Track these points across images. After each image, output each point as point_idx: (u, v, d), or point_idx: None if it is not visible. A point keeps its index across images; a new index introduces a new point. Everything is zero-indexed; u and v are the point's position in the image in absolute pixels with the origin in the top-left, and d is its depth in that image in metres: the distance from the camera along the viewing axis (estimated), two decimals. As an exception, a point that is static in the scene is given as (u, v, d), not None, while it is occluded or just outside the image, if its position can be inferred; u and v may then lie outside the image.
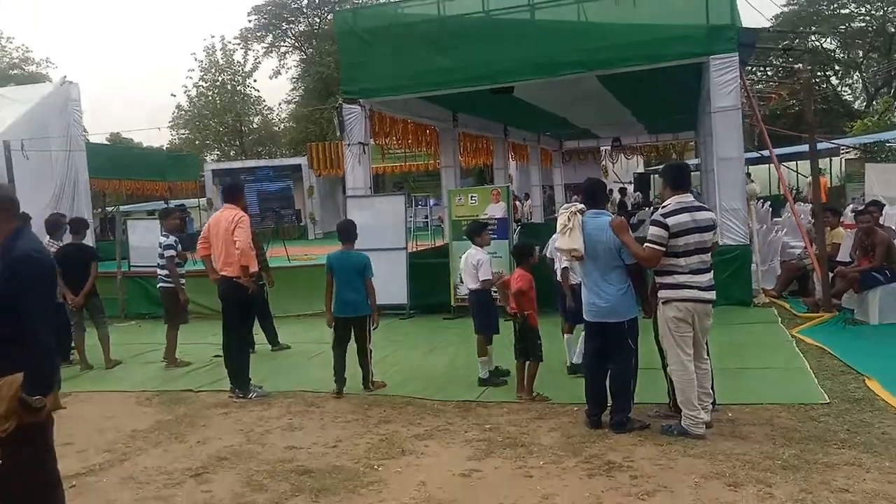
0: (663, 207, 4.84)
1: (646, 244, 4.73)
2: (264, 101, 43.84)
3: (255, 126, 44.25)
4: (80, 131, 14.69)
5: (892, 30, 32.52)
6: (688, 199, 4.81)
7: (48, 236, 8.39)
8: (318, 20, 40.38)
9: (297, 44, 41.83)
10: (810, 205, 14.08)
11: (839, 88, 36.92)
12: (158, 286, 8.27)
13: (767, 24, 20.80)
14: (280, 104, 45.58)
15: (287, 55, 42.21)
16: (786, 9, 33.14)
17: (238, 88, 41.26)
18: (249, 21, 40.35)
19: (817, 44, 33.02)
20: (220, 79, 40.40)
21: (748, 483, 3.92)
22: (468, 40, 10.53)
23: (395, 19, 11.45)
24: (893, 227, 9.24)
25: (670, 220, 4.67)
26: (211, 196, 27.18)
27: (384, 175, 27.66)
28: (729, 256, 8.95)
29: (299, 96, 41.74)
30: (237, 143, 42.91)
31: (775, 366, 6.45)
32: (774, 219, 13.60)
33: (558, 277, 6.38)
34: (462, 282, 8.03)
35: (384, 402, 6.03)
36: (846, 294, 8.33)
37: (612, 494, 3.93)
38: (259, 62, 41.68)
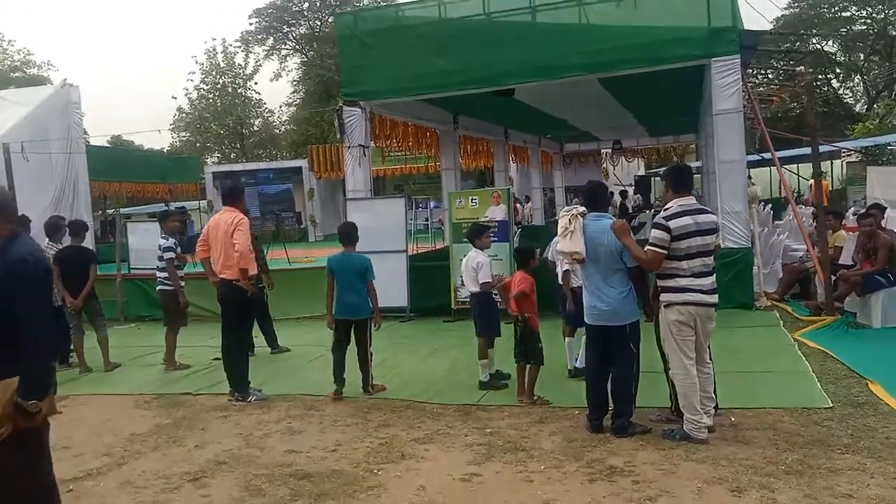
0: (665, 210, 4.81)
1: (647, 247, 4.70)
2: (265, 103, 43.99)
3: (255, 129, 44.30)
4: (80, 134, 14.68)
5: (894, 33, 32.49)
6: (690, 201, 4.77)
7: (47, 239, 8.37)
8: (319, 23, 40.45)
9: (297, 46, 41.89)
10: (811, 208, 14.07)
11: (840, 91, 36.92)
12: (157, 289, 8.25)
13: (769, 27, 20.78)
14: (281, 107, 45.78)
15: (288, 58, 42.34)
16: (787, 12, 33.18)
17: (239, 91, 41.34)
18: (250, 24, 40.51)
19: (818, 47, 33.01)
20: (220, 81, 40.48)
21: (751, 488, 3.88)
22: (469, 43, 10.51)
23: (396, 22, 11.44)
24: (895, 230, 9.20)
25: (672, 223, 4.63)
26: (211, 198, 27.17)
27: (384, 177, 27.64)
28: (730, 259, 8.91)
29: (300, 99, 41.80)
30: (238, 145, 42.96)
31: (778, 369, 6.42)
32: (775, 221, 13.57)
33: (560, 280, 6.35)
34: (463, 284, 8.02)
35: (384, 406, 6.00)
36: (848, 297, 8.29)
37: (613, 500, 3.90)
38: (260, 65, 41.82)
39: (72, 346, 8.30)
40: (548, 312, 6.51)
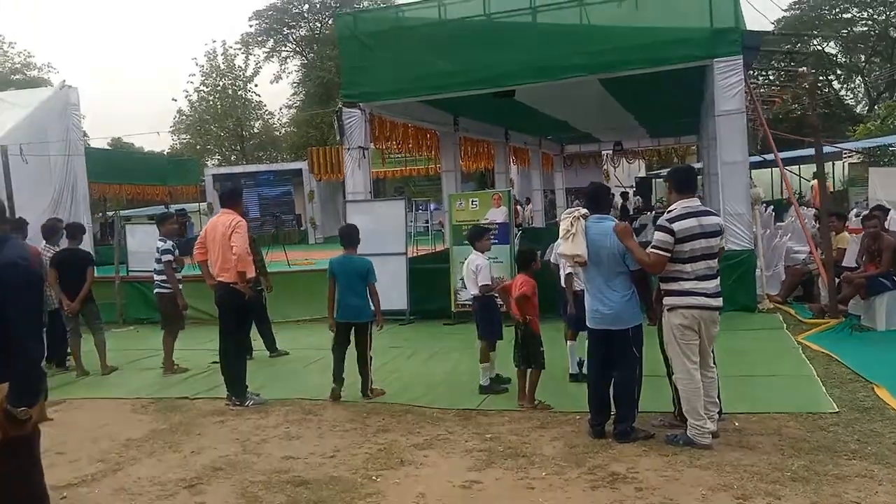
0: (669, 212, 4.74)
1: (651, 249, 4.62)
2: (265, 105, 44.03)
3: (255, 131, 44.33)
4: (79, 136, 14.61)
5: (895, 34, 32.48)
6: (694, 203, 4.70)
7: (44, 241, 8.31)
8: (319, 25, 40.47)
9: (298, 48, 41.90)
10: (813, 209, 14.02)
11: (841, 93, 36.88)
12: (155, 291, 8.18)
13: (770, 28, 20.72)
14: (281, 109, 45.86)
15: (288, 60, 42.37)
16: (788, 13, 33.15)
17: (239, 93, 41.37)
18: (250, 26, 40.52)
19: (819, 48, 32.97)
20: (221, 83, 40.47)
21: (757, 496, 3.81)
22: (469, 44, 10.45)
23: (396, 23, 11.39)
24: (899, 232, 9.12)
25: (676, 226, 4.56)
26: (211, 201, 27.14)
27: (384, 179, 27.60)
28: (733, 262, 8.84)
29: (300, 101, 41.80)
30: (238, 147, 42.96)
31: (782, 373, 6.34)
32: (777, 223, 13.50)
33: (563, 283, 6.29)
34: (464, 287, 7.96)
35: (383, 410, 5.93)
36: (852, 300, 8.22)
37: (616, 507, 3.83)
38: (260, 67, 41.91)
39: (69, 350, 8.23)
40: (549, 315, 6.44)
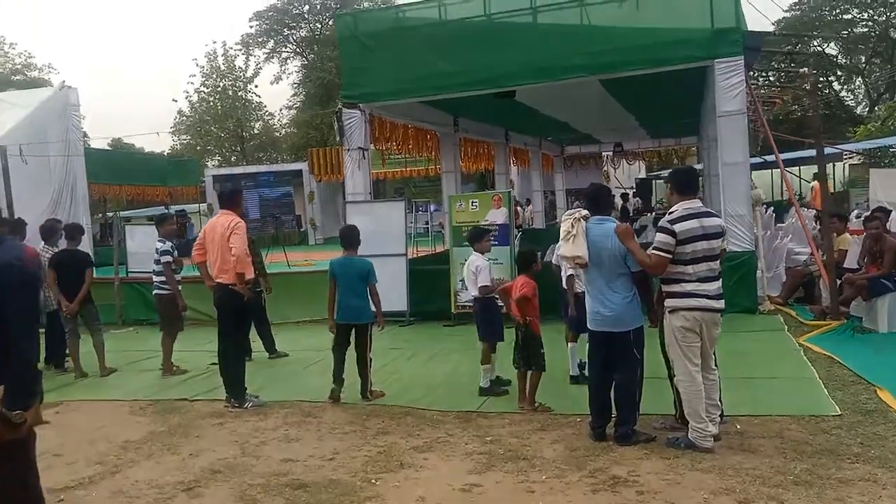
0: (670, 214, 4.70)
1: (652, 251, 4.59)
2: (265, 106, 43.98)
3: (256, 131, 44.29)
4: (78, 136, 14.61)
5: (895, 35, 32.46)
6: (695, 204, 4.67)
7: (43, 242, 8.29)
8: (320, 26, 40.45)
9: (298, 49, 41.88)
10: (813, 210, 13.98)
11: (841, 94, 36.87)
12: (154, 293, 8.15)
13: (771, 29, 20.71)
14: (281, 109, 45.74)
15: (288, 61, 42.35)
16: (788, 14, 33.15)
17: (239, 94, 41.33)
18: (251, 26, 40.50)
19: (820, 49, 32.96)
20: (221, 84, 40.44)
21: (759, 499, 3.78)
22: (470, 44, 10.43)
23: (397, 23, 11.36)
24: (900, 233, 9.10)
25: (677, 227, 4.53)
26: (211, 201, 27.09)
27: (384, 180, 27.56)
28: (734, 263, 8.81)
29: (300, 102, 41.80)
30: (238, 148, 42.93)
31: (783, 375, 6.31)
32: (777, 224, 13.48)
33: (564, 284, 6.26)
34: (465, 288, 7.93)
35: (383, 413, 5.90)
36: (854, 301, 8.19)
37: (617, 511, 3.80)
38: (260, 68, 41.85)
39: (67, 351, 8.20)
40: (550, 317, 6.41)
